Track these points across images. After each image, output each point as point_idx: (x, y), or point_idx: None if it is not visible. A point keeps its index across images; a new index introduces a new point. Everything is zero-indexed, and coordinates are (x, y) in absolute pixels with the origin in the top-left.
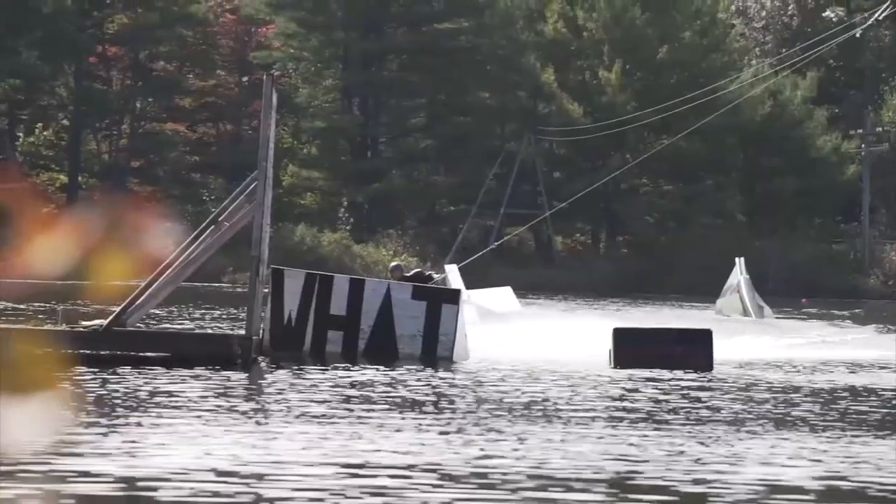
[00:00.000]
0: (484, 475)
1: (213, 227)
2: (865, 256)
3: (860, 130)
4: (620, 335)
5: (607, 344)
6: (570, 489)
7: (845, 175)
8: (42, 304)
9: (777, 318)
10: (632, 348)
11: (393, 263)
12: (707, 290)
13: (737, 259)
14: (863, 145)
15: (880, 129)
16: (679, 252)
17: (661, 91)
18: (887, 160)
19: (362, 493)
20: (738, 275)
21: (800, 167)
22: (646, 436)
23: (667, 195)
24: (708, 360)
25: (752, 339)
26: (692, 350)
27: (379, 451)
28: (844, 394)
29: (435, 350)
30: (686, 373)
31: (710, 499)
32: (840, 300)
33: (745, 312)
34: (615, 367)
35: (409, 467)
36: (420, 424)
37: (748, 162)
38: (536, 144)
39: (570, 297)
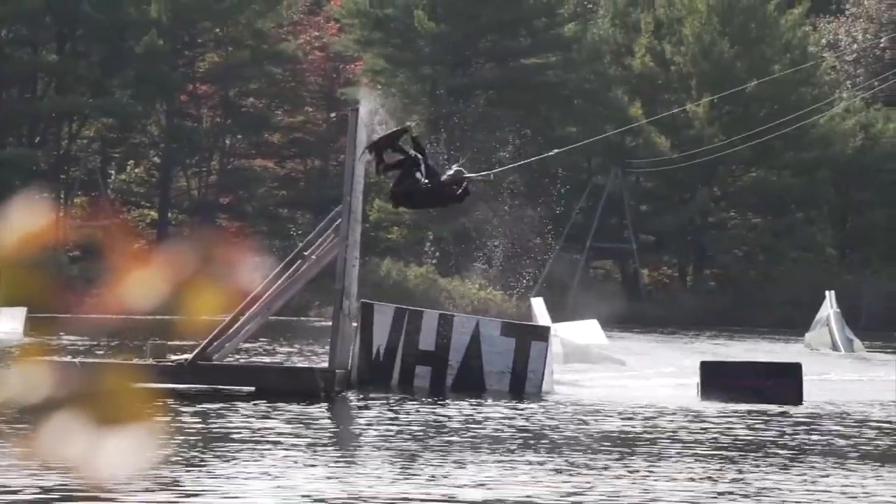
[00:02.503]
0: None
1: (299, 261)
2: None
3: None
4: (708, 368)
5: (695, 377)
6: None
7: None
8: (133, 340)
9: (868, 351)
10: (720, 381)
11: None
12: (796, 324)
13: (827, 293)
14: None
15: None
16: (768, 286)
17: (750, 124)
18: None
19: None
20: (829, 308)
21: (893, 200)
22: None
23: (755, 228)
24: (798, 393)
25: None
26: (781, 383)
27: (462, 486)
28: None
29: (523, 387)
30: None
31: None
32: None
33: (835, 346)
34: (703, 400)
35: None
36: (526, 460)
37: (839, 195)
38: (624, 177)
39: (657, 330)
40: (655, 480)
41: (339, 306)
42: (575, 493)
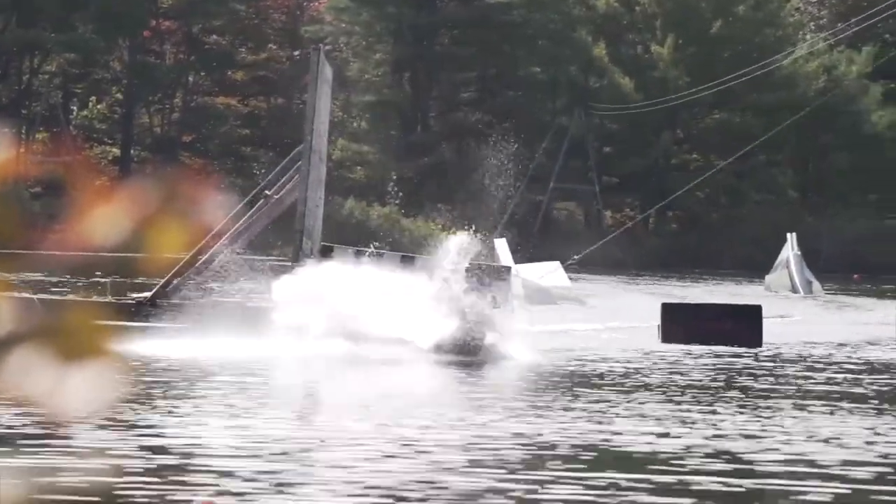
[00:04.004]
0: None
1: (262, 200)
2: None
3: None
4: (669, 310)
5: (655, 319)
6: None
7: None
8: (93, 276)
9: (827, 293)
10: (681, 322)
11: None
12: (758, 265)
13: (788, 235)
14: None
15: None
16: (730, 228)
17: (715, 66)
18: None
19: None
20: (790, 250)
21: (854, 143)
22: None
23: (719, 170)
24: (757, 335)
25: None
26: (741, 325)
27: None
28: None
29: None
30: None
31: None
32: (893, 276)
33: (794, 288)
34: (663, 342)
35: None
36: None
37: (801, 138)
38: (587, 119)
39: (620, 272)
40: (617, 419)
41: (300, 246)
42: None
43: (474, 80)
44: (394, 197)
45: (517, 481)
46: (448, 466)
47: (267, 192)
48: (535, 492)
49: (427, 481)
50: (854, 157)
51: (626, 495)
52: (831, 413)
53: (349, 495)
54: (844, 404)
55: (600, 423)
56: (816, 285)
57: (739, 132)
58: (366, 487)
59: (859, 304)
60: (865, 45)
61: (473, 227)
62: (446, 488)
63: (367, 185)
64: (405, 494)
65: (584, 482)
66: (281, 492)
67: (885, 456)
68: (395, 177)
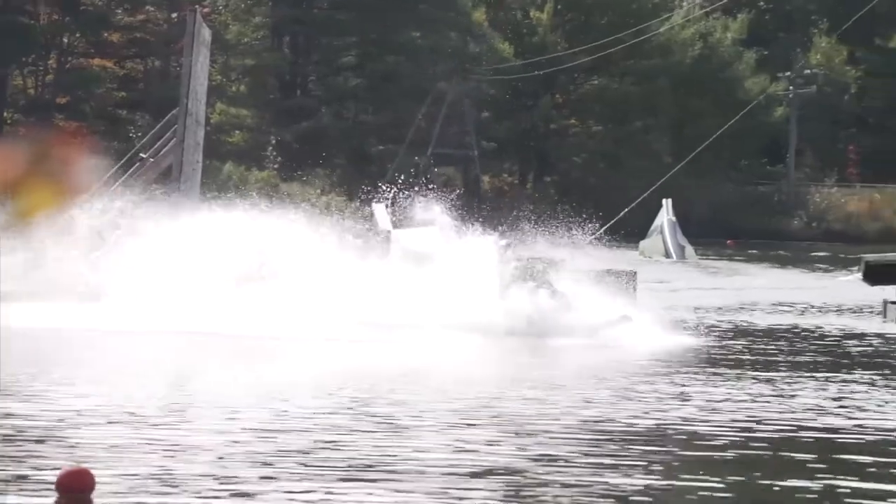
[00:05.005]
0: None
1: (137, 163)
2: (790, 198)
3: (788, 73)
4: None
5: None
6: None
7: (773, 117)
8: None
9: (700, 259)
10: None
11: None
12: (634, 231)
13: (664, 201)
14: (791, 87)
15: (808, 71)
16: (606, 194)
17: (593, 32)
18: (814, 103)
19: None
20: (664, 216)
21: (728, 109)
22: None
23: (596, 136)
24: (632, 300)
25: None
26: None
27: None
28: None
29: None
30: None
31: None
32: (764, 241)
33: (668, 254)
34: None
35: None
36: None
37: (677, 104)
38: (466, 84)
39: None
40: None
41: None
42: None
43: (354, 44)
44: (272, 161)
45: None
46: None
47: (143, 154)
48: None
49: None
50: (727, 122)
51: None
52: (698, 376)
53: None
54: (712, 369)
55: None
56: (690, 250)
57: (617, 98)
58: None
59: (733, 269)
60: (741, 12)
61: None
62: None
63: (246, 150)
64: (256, 448)
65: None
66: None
67: (733, 420)
68: (273, 141)
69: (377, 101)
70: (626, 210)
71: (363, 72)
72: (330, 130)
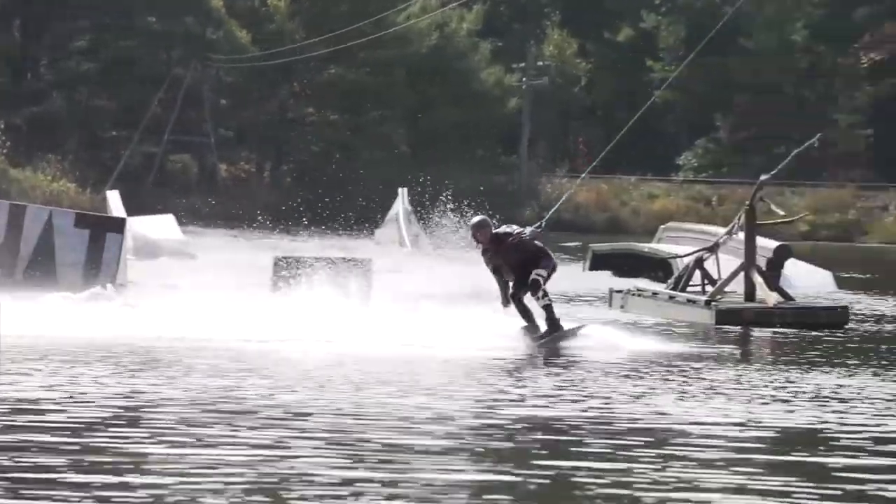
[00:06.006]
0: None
1: None
2: (523, 188)
3: (522, 64)
4: (281, 263)
5: (268, 272)
6: None
7: (507, 108)
8: None
9: (435, 248)
10: (292, 276)
11: (477, 219)
12: (371, 221)
13: (400, 190)
14: (524, 79)
15: (541, 63)
16: (344, 183)
17: (330, 21)
18: (547, 94)
19: None
20: (400, 205)
21: (463, 100)
22: None
23: (333, 125)
24: (367, 290)
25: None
26: (351, 279)
27: None
28: None
29: (97, 278)
30: None
31: None
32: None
33: (402, 242)
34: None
35: None
36: None
37: (414, 94)
38: (203, 71)
39: (234, 225)
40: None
41: None
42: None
43: (88, 28)
44: (1, 147)
45: None
46: None
47: None
48: None
49: None
50: (464, 113)
51: None
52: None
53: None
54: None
55: None
56: (424, 239)
57: (354, 88)
58: None
59: (467, 258)
60: (476, 3)
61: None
62: None
63: None
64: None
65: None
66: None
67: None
68: (2, 126)
69: (111, 85)
70: (561, 202)
71: (97, 56)
72: (61, 115)
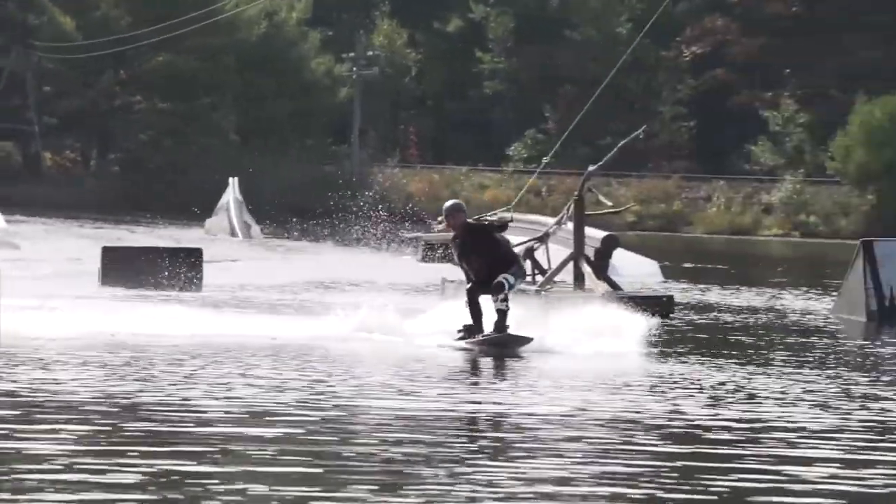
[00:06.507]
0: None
1: None
2: (355, 178)
3: (352, 54)
4: (109, 253)
5: (96, 262)
6: None
7: (337, 97)
8: None
9: (266, 237)
10: (122, 266)
11: (451, 203)
12: (201, 210)
13: (230, 179)
14: (354, 69)
15: (371, 53)
16: (174, 171)
17: (157, 7)
18: (378, 84)
19: None
20: (231, 194)
21: (294, 89)
22: None
23: (162, 113)
24: (198, 279)
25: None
26: (183, 269)
27: None
28: None
29: None
30: None
31: None
32: (331, 221)
33: (233, 232)
34: (103, 285)
35: None
36: None
37: (244, 82)
38: (26, 57)
39: (60, 215)
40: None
41: None
42: None
43: None
44: None
45: None
46: None
47: None
48: None
49: None
50: (294, 102)
51: None
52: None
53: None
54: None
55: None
56: (256, 229)
57: (183, 75)
58: None
59: (300, 248)
60: None
61: None
62: None
63: None
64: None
65: None
66: None
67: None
68: None
69: None
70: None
71: None
72: None
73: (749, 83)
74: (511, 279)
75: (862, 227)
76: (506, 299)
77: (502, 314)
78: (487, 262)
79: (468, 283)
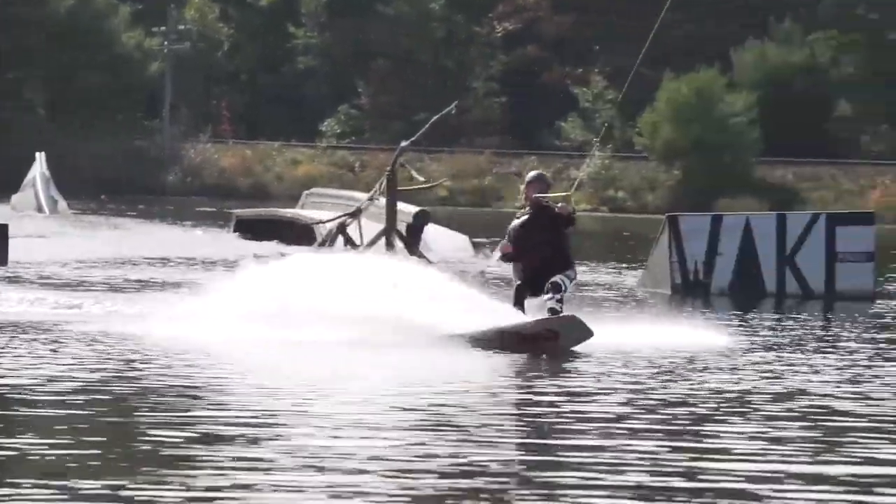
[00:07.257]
0: None
1: None
2: (167, 154)
3: (163, 28)
4: None
5: None
6: None
7: (149, 71)
8: None
9: (74, 213)
10: None
11: (535, 173)
12: (7, 185)
13: (37, 154)
14: (166, 43)
15: (183, 27)
16: None
17: None
18: (190, 58)
19: None
20: (37, 170)
21: (104, 63)
22: None
23: None
24: (3, 254)
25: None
26: None
27: None
28: None
29: None
30: None
31: None
32: (143, 196)
33: (40, 208)
34: None
35: None
36: None
37: (53, 56)
38: None
39: None
40: None
41: None
42: None
43: None
44: None
45: None
46: None
47: None
48: None
49: None
50: (104, 77)
51: None
52: None
53: None
54: None
55: None
56: (63, 204)
57: None
58: None
59: (110, 224)
60: None
61: None
62: None
63: None
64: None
65: None
66: None
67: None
68: None
69: None
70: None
71: None
72: None
73: (560, 60)
74: (568, 283)
75: (668, 203)
76: (561, 300)
77: (554, 313)
78: (547, 251)
79: (516, 280)
